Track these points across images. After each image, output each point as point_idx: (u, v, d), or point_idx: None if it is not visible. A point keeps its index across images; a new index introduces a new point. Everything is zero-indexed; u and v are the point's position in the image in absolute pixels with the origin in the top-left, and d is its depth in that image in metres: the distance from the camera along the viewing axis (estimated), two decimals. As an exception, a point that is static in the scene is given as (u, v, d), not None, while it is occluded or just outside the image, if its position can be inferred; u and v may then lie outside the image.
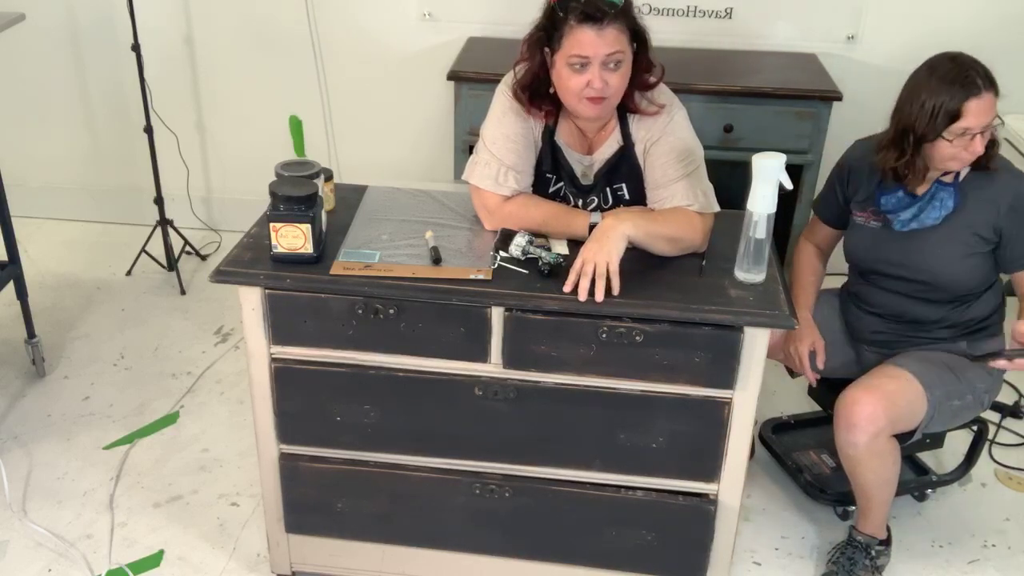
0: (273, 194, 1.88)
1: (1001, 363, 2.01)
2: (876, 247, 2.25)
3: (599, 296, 1.81)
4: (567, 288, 1.83)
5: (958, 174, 2.13)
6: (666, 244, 1.95)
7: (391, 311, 1.88)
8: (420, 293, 1.85)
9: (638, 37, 1.95)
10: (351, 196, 2.21)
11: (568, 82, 1.93)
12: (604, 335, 1.85)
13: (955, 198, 2.13)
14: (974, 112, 1.99)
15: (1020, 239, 2.12)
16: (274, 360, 1.98)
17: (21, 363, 3.02)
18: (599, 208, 2.10)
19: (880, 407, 2.08)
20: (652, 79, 2.00)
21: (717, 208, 2.02)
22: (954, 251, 2.15)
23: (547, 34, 1.94)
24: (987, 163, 2.11)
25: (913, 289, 2.22)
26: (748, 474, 2.03)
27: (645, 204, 2.06)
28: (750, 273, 1.90)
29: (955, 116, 2.00)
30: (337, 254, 1.95)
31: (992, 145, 2.09)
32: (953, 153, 2.04)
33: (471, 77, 3.06)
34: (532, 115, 2.04)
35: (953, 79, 1.99)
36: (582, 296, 1.81)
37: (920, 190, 2.16)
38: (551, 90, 1.99)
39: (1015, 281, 2.16)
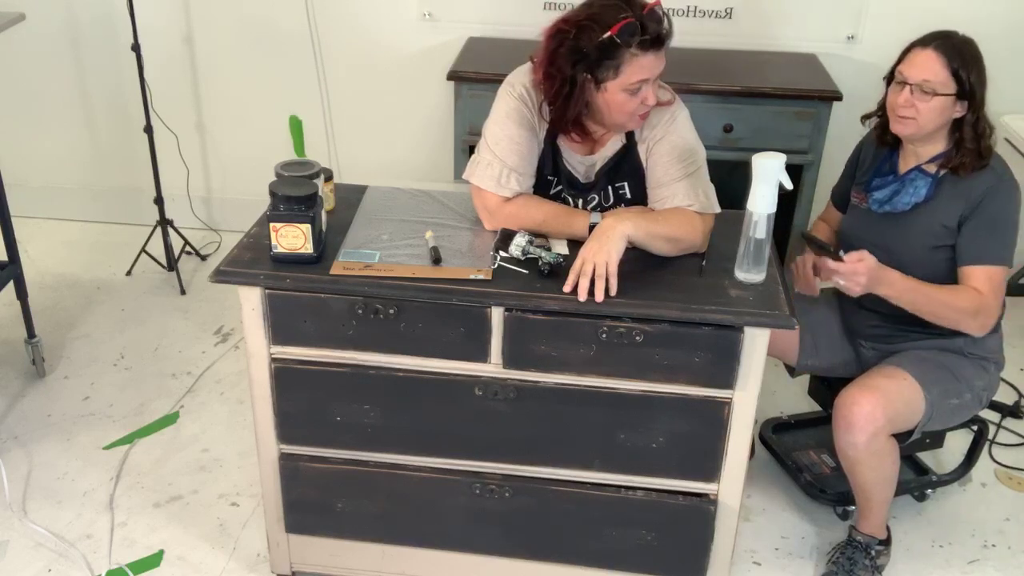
0: (273, 194, 1.88)
1: (829, 264, 2.01)
2: (860, 227, 2.27)
3: (599, 296, 1.81)
4: (567, 288, 1.83)
5: (940, 166, 2.14)
6: (666, 244, 1.95)
7: (391, 311, 1.88)
8: (420, 293, 1.85)
9: None
10: (351, 196, 2.21)
11: (625, 106, 1.92)
12: (604, 335, 1.85)
13: (929, 188, 2.14)
14: (911, 59, 2.08)
15: (974, 234, 2.10)
16: (274, 360, 1.98)
17: (21, 363, 3.02)
18: (599, 206, 2.10)
19: (878, 407, 2.08)
20: None
21: (718, 209, 2.02)
22: (921, 240, 2.16)
23: (595, 63, 1.88)
24: (957, 167, 2.11)
25: None
26: (748, 474, 2.03)
27: (646, 203, 2.06)
28: (750, 273, 1.90)
29: (900, 59, 2.11)
30: (337, 254, 1.95)
31: (975, 154, 2.09)
32: (891, 103, 2.11)
33: (471, 77, 3.06)
34: (569, 137, 2.04)
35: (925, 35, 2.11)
36: (582, 296, 1.81)
37: (904, 167, 2.19)
38: (582, 111, 1.96)
39: (959, 275, 2.13)
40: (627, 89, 1.89)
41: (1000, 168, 2.13)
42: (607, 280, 1.82)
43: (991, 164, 2.12)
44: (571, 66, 1.90)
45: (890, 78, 2.15)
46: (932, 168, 2.15)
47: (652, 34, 1.85)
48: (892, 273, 2.06)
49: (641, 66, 1.87)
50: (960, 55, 2.04)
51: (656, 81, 1.93)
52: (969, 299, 2.10)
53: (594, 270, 1.81)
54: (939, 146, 2.14)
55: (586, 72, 1.90)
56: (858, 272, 1.99)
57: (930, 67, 2.04)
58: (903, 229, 2.18)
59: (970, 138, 2.09)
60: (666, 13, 1.89)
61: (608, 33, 1.84)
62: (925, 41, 2.08)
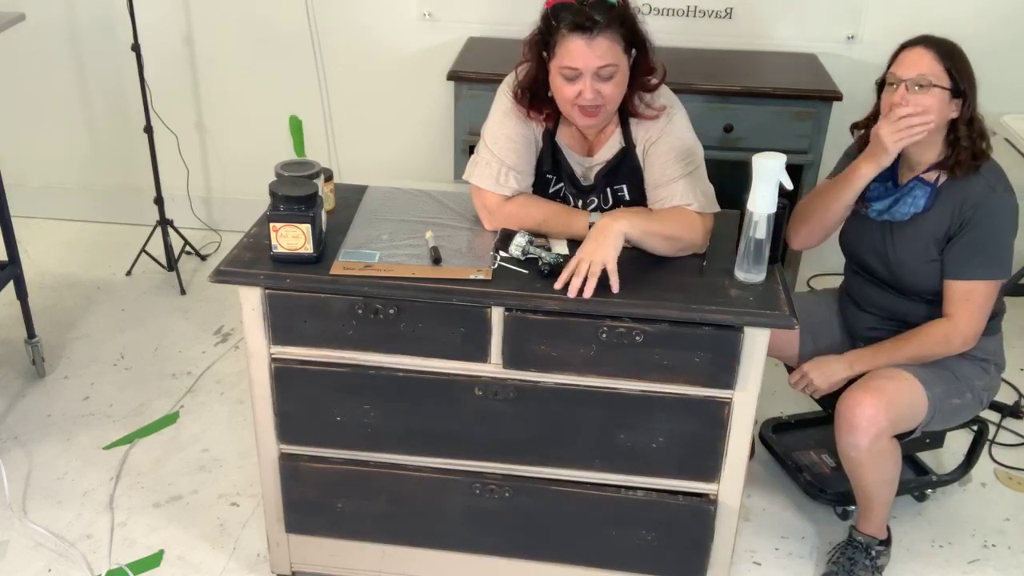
0: (273, 194, 1.88)
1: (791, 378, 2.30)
2: (859, 234, 2.27)
3: (587, 292, 1.81)
4: (557, 285, 1.84)
5: (939, 176, 2.13)
6: (664, 243, 1.95)
7: (391, 311, 1.88)
8: (420, 293, 1.85)
9: (637, 43, 1.94)
10: (351, 196, 2.21)
11: (561, 90, 1.93)
12: (604, 335, 1.85)
13: (928, 199, 2.13)
14: (902, 60, 2.08)
15: (960, 249, 2.10)
16: (274, 360, 1.98)
17: (21, 363, 3.02)
18: (599, 208, 2.10)
19: (881, 408, 2.08)
20: (653, 81, 2.00)
21: (717, 208, 2.02)
22: (916, 253, 2.15)
23: (544, 39, 1.94)
24: (953, 167, 2.09)
25: (893, 285, 2.23)
26: (748, 474, 2.03)
27: (646, 205, 2.06)
28: (750, 273, 1.90)
29: (890, 63, 2.11)
30: (337, 254, 1.95)
31: (971, 154, 2.08)
32: (886, 104, 2.09)
33: (471, 77, 3.06)
34: (533, 118, 2.04)
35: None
36: (572, 293, 1.81)
37: (904, 178, 2.18)
38: (549, 93, 1.99)
39: (944, 288, 2.13)
40: (562, 73, 1.90)
41: (994, 179, 2.10)
42: (606, 277, 1.82)
43: (984, 174, 2.09)
44: (537, 45, 1.96)
45: (882, 83, 2.14)
46: (931, 177, 2.14)
47: (577, 18, 1.85)
48: (854, 352, 2.23)
49: (569, 49, 1.87)
50: (950, 54, 2.05)
51: (602, 79, 1.89)
52: (934, 333, 2.14)
53: (588, 268, 1.82)
54: (935, 151, 2.12)
55: (543, 50, 1.94)
56: (807, 375, 2.24)
57: (923, 62, 2.04)
58: (901, 239, 2.18)
59: (965, 136, 2.08)
60: (621, 10, 1.89)
61: (546, 7, 1.91)
62: (913, 42, 2.08)
